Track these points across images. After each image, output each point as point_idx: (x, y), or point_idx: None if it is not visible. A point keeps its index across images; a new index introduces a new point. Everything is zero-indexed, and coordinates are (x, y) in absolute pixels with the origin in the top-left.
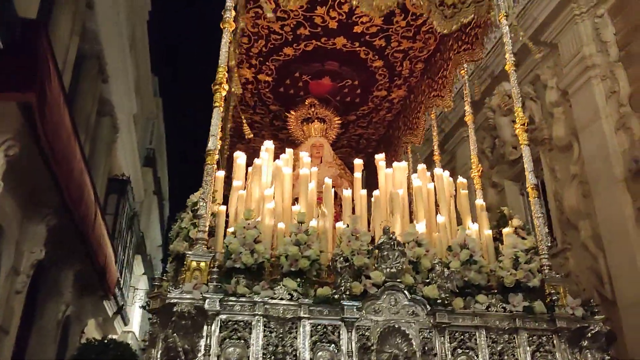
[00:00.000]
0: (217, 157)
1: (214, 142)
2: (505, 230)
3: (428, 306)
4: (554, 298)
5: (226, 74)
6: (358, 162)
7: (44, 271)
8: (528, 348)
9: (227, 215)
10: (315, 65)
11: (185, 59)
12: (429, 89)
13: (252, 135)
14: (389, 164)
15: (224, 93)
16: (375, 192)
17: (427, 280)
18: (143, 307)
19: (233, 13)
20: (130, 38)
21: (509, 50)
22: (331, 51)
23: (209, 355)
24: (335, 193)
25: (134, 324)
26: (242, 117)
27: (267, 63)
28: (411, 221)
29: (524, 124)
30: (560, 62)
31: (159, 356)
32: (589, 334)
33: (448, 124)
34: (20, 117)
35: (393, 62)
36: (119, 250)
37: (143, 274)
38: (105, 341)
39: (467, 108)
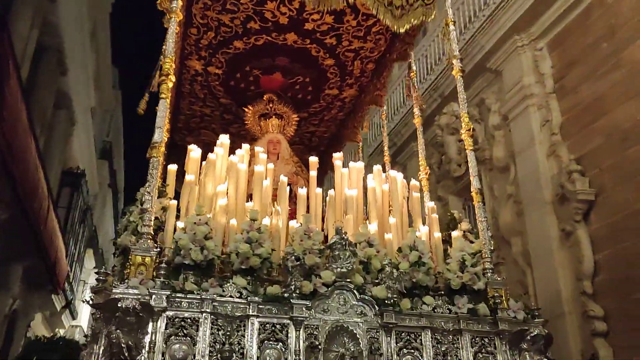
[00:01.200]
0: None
1: (160, 135)
2: (454, 234)
3: (376, 306)
4: (496, 301)
5: (173, 64)
6: (313, 159)
7: None
8: (471, 349)
9: (179, 210)
10: (265, 60)
11: (147, 52)
12: (374, 88)
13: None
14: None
15: (170, 84)
16: (331, 192)
17: (377, 281)
18: (86, 302)
19: (180, 2)
20: (92, 30)
21: (457, 57)
22: (282, 47)
23: (154, 352)
24: (292, 190)
25: (82, 318)
26: None
27: (216, 55)
28: (366, 221)
29: (469, 130)
30: (504, 88)
31: (101, 352)
32: (529, 337)
33: (400, 138)
34: None
35: (344, 61)
36: (70, 244)
37: (94, 267)
38: (55, 338)
39: (416, 110)
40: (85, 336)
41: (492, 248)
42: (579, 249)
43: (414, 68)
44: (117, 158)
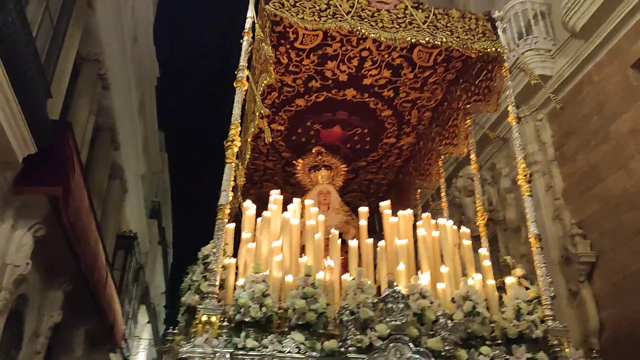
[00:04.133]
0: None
1: (226, 197)
2: (508, 281)
3: (433, 358)
4: (556, 349)
5: (239, 130)
6: (363, 209)
7: (58, 330)
8: None
9: (237, 267)
10: (326, 115)
11: (189, 114)
12: (439, 137)
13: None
14: (398, 209)
15: (235, 149)
16: (381, 243)
17: (432, 332)
18: None
19: (246, 72)
20: (140, 104)
21: (512, 103)
22: (341, 102)
23: None
24: (343, 240)
25: None
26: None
27: (279, 113)
28: (417, 271)
29: (525, 175)
30: (512, 154)
31: None
32: None
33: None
34: (47, 204)
35: (402, 111)
36: (125, 303)
37: (147, 322)
38: None
39: (472, 157)
40: None
41: (552, 294)
42: (584, 308)
43: None
44: (166, 216)
